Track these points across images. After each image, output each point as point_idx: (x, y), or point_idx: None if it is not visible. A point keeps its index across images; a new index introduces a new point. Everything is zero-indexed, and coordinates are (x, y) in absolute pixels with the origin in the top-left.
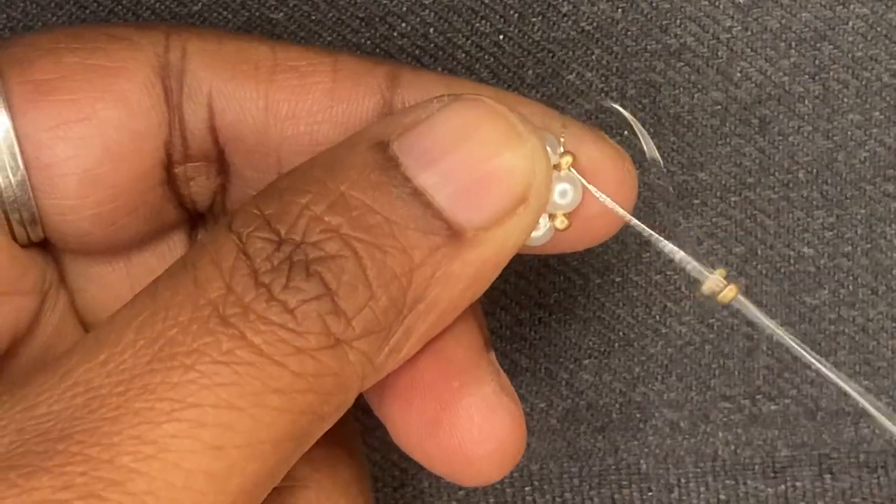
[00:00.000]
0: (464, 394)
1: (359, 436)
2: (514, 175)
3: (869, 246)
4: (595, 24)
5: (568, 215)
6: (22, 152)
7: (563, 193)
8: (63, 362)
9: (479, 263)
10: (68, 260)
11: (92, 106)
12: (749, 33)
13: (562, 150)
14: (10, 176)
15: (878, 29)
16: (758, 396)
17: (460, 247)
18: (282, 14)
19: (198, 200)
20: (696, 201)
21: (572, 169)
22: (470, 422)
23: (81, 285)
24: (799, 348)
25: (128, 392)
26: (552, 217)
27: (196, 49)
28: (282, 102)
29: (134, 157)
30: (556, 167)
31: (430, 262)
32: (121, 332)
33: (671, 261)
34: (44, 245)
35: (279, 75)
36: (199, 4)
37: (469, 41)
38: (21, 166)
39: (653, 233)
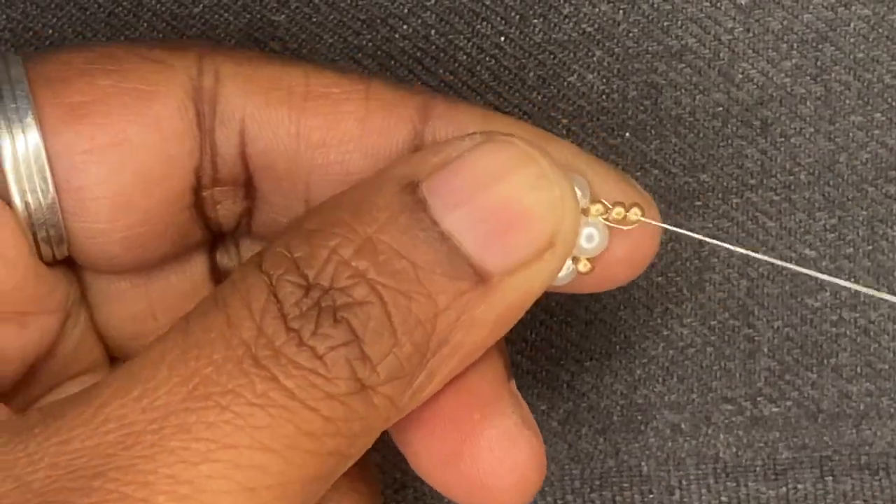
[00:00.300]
0: (485, 426)
1: (371, 451)
2: (544, 220)
3: (870, 248)
4: (596, 26)
5: (591, 259)
6: (53, 174)
7: (590, 238)
8: (95, 396)
9: (504, 308)
10: (90, 277)
11: (125, 130)
12: (751, 35)
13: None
14: (41, 198)
15: (880, 30)
16: (759, 398)
17: (486, 292)
18: (283, 16)
19: (223, 223)
20: (697, 203)
21: (601, 219)
22: (491, 454)
23: (101, 301)
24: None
25: (163, 430)
26: (576, 260)
27: (229, 73)
28: (313, 130)
29: (166, 182)
30: (584, 211)
31: (454, 306)
32: (154, 368)
33: (674, 262)
34: (67, 262)
35: (311, 102)
36: (201, 6)
37: (470, 43)
38: (51, 189)
39: (719, 243)
